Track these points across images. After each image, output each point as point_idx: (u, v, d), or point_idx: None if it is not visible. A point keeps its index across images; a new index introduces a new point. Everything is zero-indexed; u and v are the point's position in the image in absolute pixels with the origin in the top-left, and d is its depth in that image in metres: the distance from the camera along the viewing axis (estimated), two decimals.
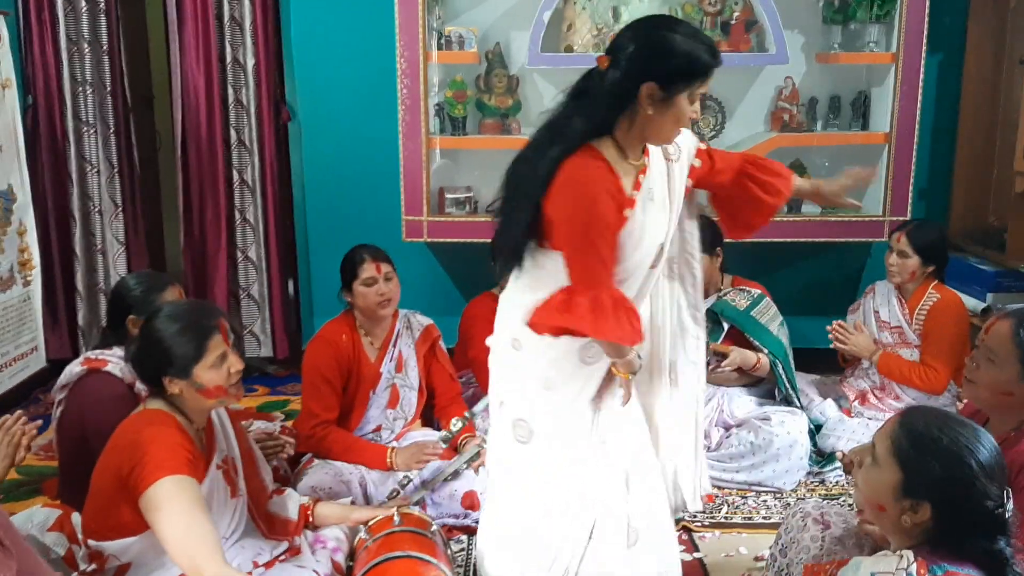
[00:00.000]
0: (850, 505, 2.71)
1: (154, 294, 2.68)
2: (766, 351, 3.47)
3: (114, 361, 2.64)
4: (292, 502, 2.54)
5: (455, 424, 3.08)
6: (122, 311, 2.72)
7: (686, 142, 2.25)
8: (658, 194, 2.17)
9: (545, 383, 2.21)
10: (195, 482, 2.11)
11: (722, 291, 3.57)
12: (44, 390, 4.15)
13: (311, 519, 2.56)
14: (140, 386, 2.62)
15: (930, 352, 3.39)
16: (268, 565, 2.35)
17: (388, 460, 3.03)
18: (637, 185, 2.10)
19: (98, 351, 2.72)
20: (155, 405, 2.22)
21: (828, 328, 3.55)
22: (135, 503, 2.07)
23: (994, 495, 1.58)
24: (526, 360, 2.22)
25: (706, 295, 3.49)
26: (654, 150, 2.17)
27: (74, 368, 2.68)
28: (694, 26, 2.13)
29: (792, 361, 3.56)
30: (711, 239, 3.42)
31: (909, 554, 1.60)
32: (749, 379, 3.59)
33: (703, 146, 2.31)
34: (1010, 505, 1.60)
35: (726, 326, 3.50)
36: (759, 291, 3.58)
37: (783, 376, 3.47)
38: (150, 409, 2.21)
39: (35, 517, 2.37)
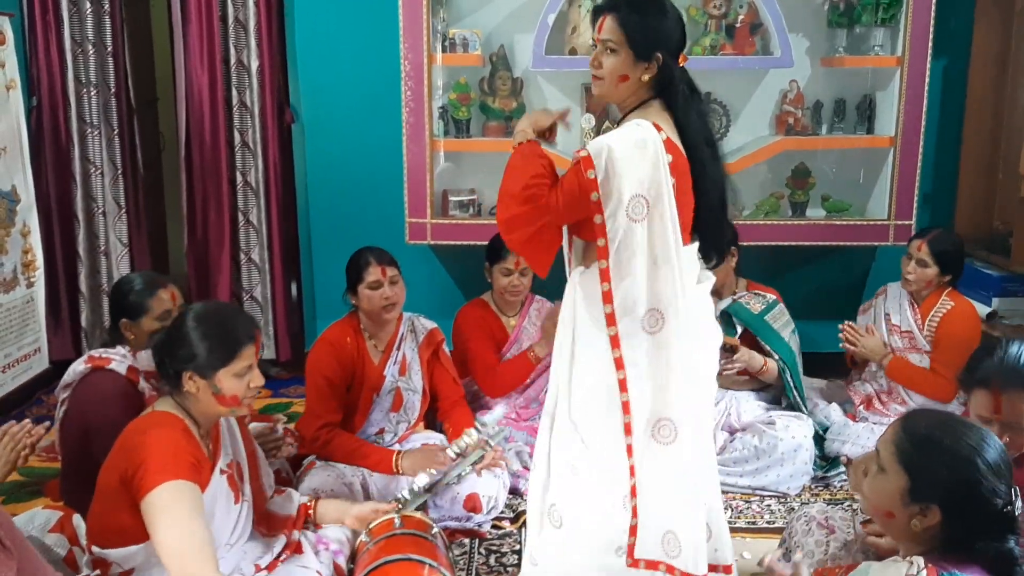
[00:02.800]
0: (855, 510, 2.70)
1: (145, 297, 2.67)
2: (776, 356, 3.47)
3: (118, 359, 2.64)
4: (292, 501, 2.54)
5: (468, 436, 3.06)
6: (116, 314, 2.72)
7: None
8: None
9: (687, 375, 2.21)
10: (196, 488, 2.09)
11: (737, 294, 3.57)
12: (47, 392, 4.15)
13: (311, 516, 2.55)
14: (144, 384, 2.61)
15: (941, 360, 3.38)
16: (270, 567, 2.34)
17: (394, 464, 3.00)
18: None
19: (102, 350, 2.72)
20: (163, 407, 2.20)
21: (840, 327, 3.54)
22: (138, 507, 2.06)
23: (1002, 493, 1.57)
24: (672, 356, 2.20)
25: (720, 297, 3.51)
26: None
27: (77, 367, 2.67)
28: None
29: (801, 368, 3.55)
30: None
31: (919, 560, 1.59)
32: (758, 383, 3.58)
33: (582, 153, 2.14)
34: (1019, 503, 1.59)
35: (739, 328, 3.51)
36: (774, 296, 3.58)
37: (790, 383, 3.46)
38: (158, 411, 2.20)
39: (36, 519, 2.37)
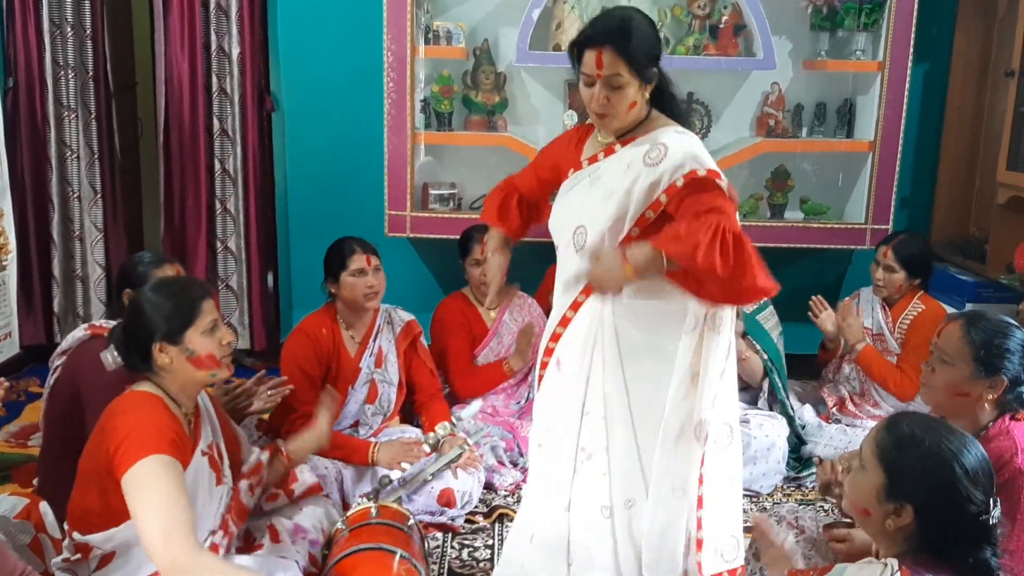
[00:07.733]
0: (826, 511, 2.72)
1: (151, 268, 2.70)
2: (765, 356, 3.49)
3: None
4: (252, 453, 2.47)
5: (442, 429, 3.06)
6: (120, 285, 2.74)
7: (676, 159, 2.10)
8: (607, 182, 2.16)
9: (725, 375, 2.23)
10: (178, 464, 2.04)
11: None
12: (16, 377, 4.10)
13: (287, 459, 2.49)
14: None
15: (907, 360, 3.41)
16: (252, 550, 2.33)
17: (370, 456, 2.99)
18: (593, 159, 2.22)
19: (103, 320, 2.75)
20: (143, 387, 2.16)
21: (813, 298, 3.60)
22: (119, 487, 2.00)
23: (978, 500, 1.57)
24: (718, 357, 2.20)
25: None
26: (638, 145, 2.16)
27: (76, 333, 2.69)
28: (606, 14, 2.18)
29: (785, 373, 3.57)
30: None
31: (893, 562, 1.59)
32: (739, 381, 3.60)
33: (703, 171, 2.11)
34: (996, 512, 1.59)
35: None
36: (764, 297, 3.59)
37: (778, 384, 3.48)
38: (137, 391, 2.15)
39: (2, 504, 2.33)
